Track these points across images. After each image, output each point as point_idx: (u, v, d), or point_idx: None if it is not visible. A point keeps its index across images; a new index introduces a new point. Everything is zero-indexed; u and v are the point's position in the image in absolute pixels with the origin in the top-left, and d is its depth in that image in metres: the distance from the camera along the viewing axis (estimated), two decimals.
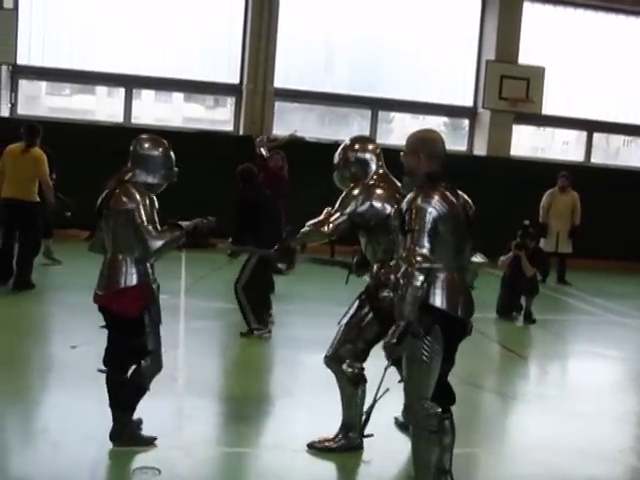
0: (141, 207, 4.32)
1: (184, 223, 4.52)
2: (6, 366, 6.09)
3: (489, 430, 5.58)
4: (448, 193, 3.81)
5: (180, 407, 5.34)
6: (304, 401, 5.56)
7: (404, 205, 3.77)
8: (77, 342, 6.29)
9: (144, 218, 4.31)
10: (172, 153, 4.57)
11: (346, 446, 4.71)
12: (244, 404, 5.62)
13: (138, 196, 4.35)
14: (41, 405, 5.34)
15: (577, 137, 16.37)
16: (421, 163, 3.84)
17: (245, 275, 7.45)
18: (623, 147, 17.09)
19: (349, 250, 5.13)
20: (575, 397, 6.55)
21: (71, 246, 10.74)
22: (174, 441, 4.69)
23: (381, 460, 4.69)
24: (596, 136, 16.12)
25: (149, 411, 5.10)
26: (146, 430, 4.75)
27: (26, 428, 4.80)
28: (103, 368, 4.51)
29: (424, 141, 3.93)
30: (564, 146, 16.83)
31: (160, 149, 4.52)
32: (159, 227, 4.36)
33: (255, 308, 7.49)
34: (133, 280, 4.39)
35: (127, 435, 4.48)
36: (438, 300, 3.73)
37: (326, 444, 4.71)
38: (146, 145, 4.52)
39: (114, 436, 4.46)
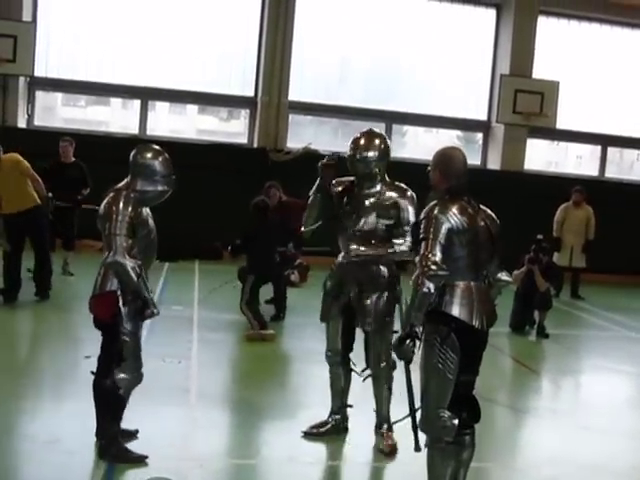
0: (120, 216, 4.33)
1: (143, 292, 4.42)
2: (20, 375, 6.14)
3: (501, 444, 5.56)
4: (468, 207, 3.92)
5: (193, 418, 5.36)
6: (319, 413, 5.53)
7: (422, 215, 3.92)
8: (91, 352, 6.31)
9: (117, 229, 4.31)
10: (170, 162, 4.59)
11: None
12: (257, 416, 5.63)
13: (121, 205, 4.36)
14: (55, 414, 5.36)
15: (591, 151, 16.33)
16: (439, 178, 3.99)
17: (246, 294, 8.01)
18: (637, 162, 17.05)
19: None
20: (588, 412, 6.52)
21: (86, 257, 10.82)
22: (187, 452, 4.72)
23: (397, 469, 4.70)
24: (610, 150, 16.09)
25: (162, 421, 5.18)
26: (158, 440, 4.79)
27: (40, 437, 4.81)
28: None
29: (442, 158, 4.06)
30: (578, 160, 16.81)
31: (159, 158, 4.56)
32: (126, 242, 4.32)
33: (258, 316, 7.97)
34: (111, 286, 4.43)
35: (115, 450, 4.46)
36: (454, 309, 3.80)
37: None
38: (145, 154, 4.56)
39: (102, 451, 4.47)
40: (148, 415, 5.04)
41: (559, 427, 5.94)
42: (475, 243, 3.88)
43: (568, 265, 12.11)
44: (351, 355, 5.20)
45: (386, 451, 4.85)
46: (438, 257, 3.69)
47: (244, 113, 14.93)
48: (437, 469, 3.86)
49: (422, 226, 3.82)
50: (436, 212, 3.83)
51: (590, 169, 16.09)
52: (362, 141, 4.90)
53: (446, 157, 4.06)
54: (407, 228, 4.76)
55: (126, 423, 4.72)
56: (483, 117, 15.23)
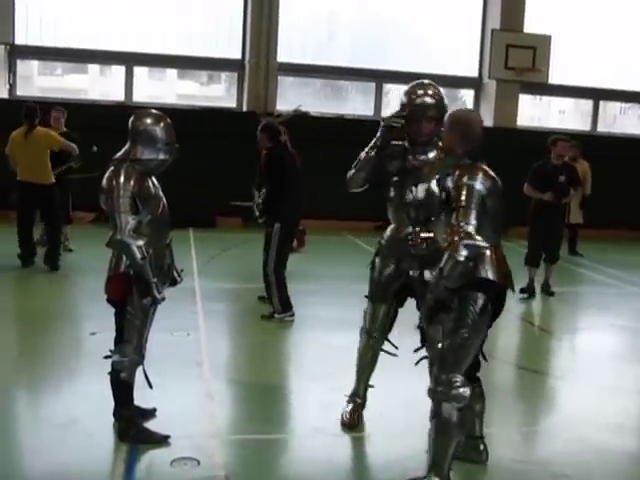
0: (121, 191, 4.07)
1: (147, 275, 4.16)
2: (28, 355, 5.99)
3: (526, 407, 5.46)
4: (489, 170, 3.81)
5: (210, 393, 5.20)
6: (337, 384, 5.40)
7: (448, 183, 3.77)
8: (96, 329, 6.15)
9: (119, 206, 4.07)
10: (172, 128, 4.32)
11: None
12: (274, 388, 5.50)
13: (122, 179, 4.09)
14: (69, 395, 5.19)
15: (574, 105, 16.19)
16: (458, 142, 3.82)
17: (272, 256, 7.11)
18: (620, 115, 16.94)
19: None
20: (604, 371, 6.43)
21: (79, 229, 10.63)
22: (209, 429, 4.58)
23: (414, 442, 4.57)
24: (592, 104, 15.96)
25: (178, 397, 5.04)
26: (177, 418, 4.65)
27: (57, 418, 4.65)
28: (109, 354, 4.37)
29: (462, 120, 3.89)
30: (561, 115, 16.68)
31: (161, 124, 4.27)
32: (132, 219, 4.09)
33: (282, 292, 7.26)
34: (123, 266, 4.21)
35: (134, 432, 4.31)
36: (490, 275, 3.72)
37: None
38: (146, 120, 4.27)
39: (121, 434, 4.33)
40: (163, 392, 4.85)
41: (579, 387, 5.85)
42: (500, 207, 3.80)
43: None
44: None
45: None
46: (473, 226, 3.55)
47: (225, 77, 14.65)
48: (447, 435, 3.77)
49: (453, 195, 3.68)
50: (466, 180, 3.68)
51: (574, 123, 15.98)
52: (419, 88, 4.45)
53: (466, 120, 3.90)
54: None
55: (142, 401, 4.58)
56: (474, 74, 15.03)
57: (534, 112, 16.69)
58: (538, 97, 16.18)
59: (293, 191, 7.16)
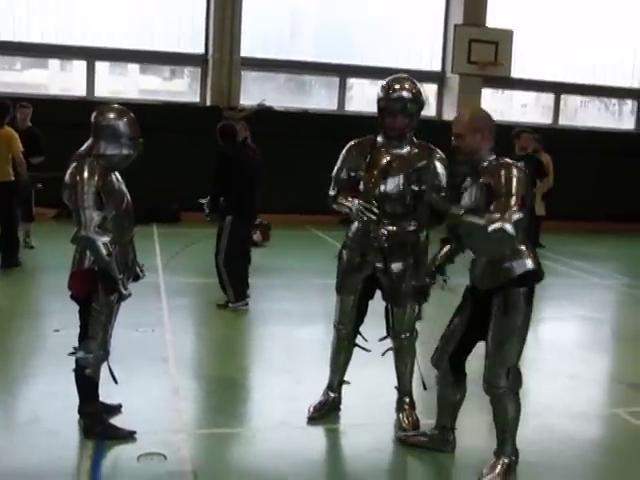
0: (85, 187, 4.02)
1: (113, 271, 4.12)
2: None
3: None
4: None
5: (175, 388, 5.17)
6: (301, 377, 5.44)
7: (485, 179, 3.80)
8: (60, 325, 6.08)
9: (84, 202, 4.01)
10: (136, 123, 4.27)
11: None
12: (239, 383, 5.50)
13: (86, 174, 4.03)
14: (30, 392, 5.12)
15: (536, 99, 16.37)
16: (484, 140, 3.88)
17: (223, 247, 7.29)
18: (581, 108, 17.14)
19: None
20: (568, 360, 6.52)
21: (40, 226, 10.49)
22: (175, 424, 4.56)
23: (380, 433, 4.60)
24: (552, 98, 16.13)
25: (144, 393, 5.01)
26: (143, 413, 4.62)
27: (18, 417, 4.61)
28: (73, 351, 4.31)
29: (484, 120, 3.95)
30: (523, 109, 16.84)
31: (124, 119, 4.22)
32: (97, 215, 4.04)
33: (235, 282, 7.37)
34: (88, 262, 4.16)
35: (100, 428, 4.27)
36: (530, 265, 3.87)
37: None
38: (108, 115, 4.21)
39: (86, 431, 4.28)
40: (129, 388, 4.84)
41: (543, 376, 5.91)
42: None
43: None
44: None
45: (408, 428, 4.59)
46: (519, 216, 3.63)
47: (187, 72, 14.56)
48: (513, 420, 4.00)
49: (494, 185, 3.70)
50: (516, 172, 3.72)
51: (535, 117, 16.14)
52: (396, 82, 4.44)
53: (487, 118, 3.99)
54: (441, 195, 4.35)
55: (107, 397, 4.54)
56: (437, 68, 15.10)
57: (496, 106, 16.76)
58: (500, 91, 16.30)
59: (246, 189, 7.31)
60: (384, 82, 4.50)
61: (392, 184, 4.46)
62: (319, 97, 15.26)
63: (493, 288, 3.90)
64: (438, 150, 4.54)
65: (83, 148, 4.23)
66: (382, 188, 4.47)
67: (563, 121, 16.27)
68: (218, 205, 7.37)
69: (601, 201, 14.98)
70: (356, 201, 4.43)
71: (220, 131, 7.56)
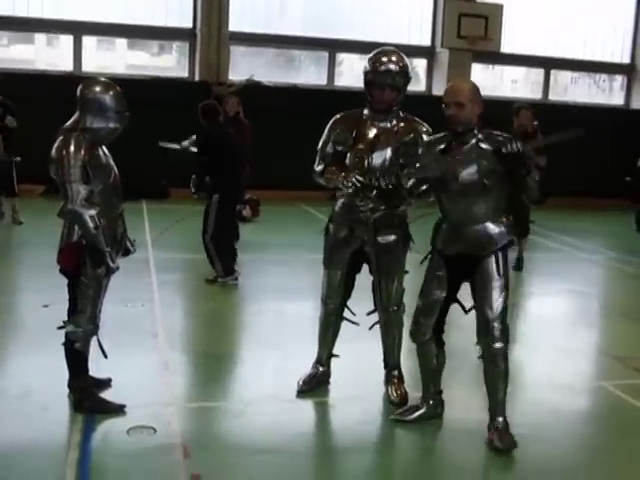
0: (71, 161, 4.01)
1: (101, 244, 4.12)
2: None
3: (480, 370, 5.54)
4: None
5: (165, 362, 5.19)
6: (291, 351, 5.46)
7: (495, 146, 3.94)
8: (49, 301, 6.07)
9: (70, 175, 4.01)
10: (122, 96, 4.25)
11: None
12: (229, 357, 5.52)
13: (72, 148, 4.03)
14: (20, 367, 5.14)
15: (526, 75, 16.33)
16: (478, 110, 4.02)
17: (210, 225, 7.33)
18: (571, 84, 17.12)
19: None
20: (556, 334, 6.57)
21: (28, 202, 10.45)
22: (165, 398, 4.58)
23: (368, 407, 4.64)
24: (542, 73, 16.11)
25: (133, 368, 5.03)
26: (133, 387, 4.65)
27: (8, 391, 4.60)
28: (63, 325, 4.33)
29: (475, 90, 4.05)
30: (513, 84, 16.80)
31: (110, 92, 4.20)
32: (84, 189, 4.04)
33: (223, 257, 7.41)
34: (76, 236, 4.17)
35: (89, 402, 4.29)
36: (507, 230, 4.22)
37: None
38: (95, 88, 4.20)
39: (76, 405, 4.30)
40: (119, 362, 4.84)
41: (528, 350, 5.95)
42: None
43: None
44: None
45: (396, 401, 4.63)
46: None
47: (176, 47, 14.44)
48: (506, 376, 4.18)
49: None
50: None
51: (526, 92, 16.11)
52: (383, 55, 4.46)
53: (477, 88, 4.07)
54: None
55: (97, 372, 4.56)
56: (427, 42, 15.02)
57: (487, 82, 16.74)
58: (491, 66, 16.25)
59: (232, 168, 7.33)
60: (371, 55, 4.49)
61: (379, 157, 4.46)
62: (308, 72, 15.18)
63: (485, 253, 4.08)
64: (424, 123, 4.55)
65: (69, 122, 4.22)
66: (369, 161, 4.46)
67: (553, 97, 16.24)
68: (204, 184, 7.47)
69: (590, 177, 15.00)
70: (348, 174, 4.42)
71: (202, 110, 7.58)
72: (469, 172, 4.02)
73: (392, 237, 4.54)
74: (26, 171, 9.86)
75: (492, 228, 4.12)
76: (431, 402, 4.44)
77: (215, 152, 7.33)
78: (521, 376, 5.33)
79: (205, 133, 7.50)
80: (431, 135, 4.45)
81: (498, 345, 4.11)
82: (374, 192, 4.44)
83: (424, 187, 4.21)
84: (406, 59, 4.53)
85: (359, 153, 4.49)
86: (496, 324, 4.09)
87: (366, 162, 4.46)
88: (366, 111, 4.55)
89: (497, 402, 4.19)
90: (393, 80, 4.42)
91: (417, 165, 4.21)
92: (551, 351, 5.93)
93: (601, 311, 7.64)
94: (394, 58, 4.45)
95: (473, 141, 4.04)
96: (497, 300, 4.08)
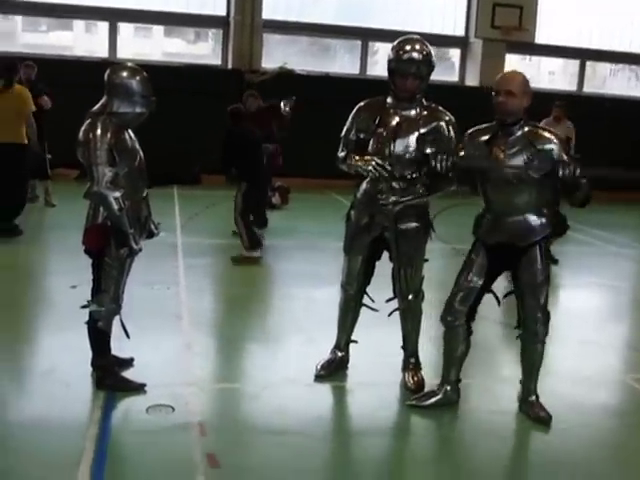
0: (98, 144, 4.10)
1: (125, 226, 4.22)
2: (7, 308, 6.00)
3: (502, 360, 5.56)
4: None
5: (188, 344, 5.28)
6: (312, 336, 5.51)
7: (542, 144, 4.06)
8: (77, 282, 6.19)
9: (96, 158, 4.11)
10: (148, 82, 4.32)
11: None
12: (251, 340, 5.58)
13: (99, 132, 4.12)
14: (46, 346, 5.27)
15: (563, 67, 16.15)
16: (525, 102, 4.08)
17: (238, 206, 7.86)
18: (610, 76, 16.91)
19: None
20: (582, 327, 6.55)
21: (62, 186, 10.61)
22: (185, 378, 4.66)
23: (385, 392, 4.68)
24: (578, 64, 15.93)
25: (156, 348, 5.11)
26: (155, 367, 4.73)
27: (33, 369, 4.75)
28: (86, 304, 4.43)
29: (527, 82, 4.12)
30: (551, 76, 16.63)
31: (137, 77, 4.28)
32: (109, 171, 4.13)
33: (249, 232, 7.86)
34: (101, 217, 4.26)
35: (111, 380, 4.39)
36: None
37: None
38: (122, 73, 4.28)
39: (98, 382, 4.41)
40: (142, 343, 4.94)
41: (553, 342, 5.92)
42: None
43: None
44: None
45: (413, 388, 4.67)
46: None
47: (212, 35, 14.52)
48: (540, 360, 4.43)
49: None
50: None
51: (563, 84, 15.94)
52: (407, 44, 4.43)
53: (527, 81, 4.13)
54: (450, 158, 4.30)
55: (120, 351, 4.66)
56: (461, 32, 14.95)
57: (524, 72, 16.59)
58: (528, 57, 16.11)
59: (255, 160, 8.03)
60: (395, 43, 4.49)
61: (401, 146, 4.47)
62: (342, 61, 15.20)
63: (526, 244, 4.19)
64: (447, 113, 4.55)
65: (97, 106, 4.30)
66: (392, 149, 4.47)
67: (589, 89, 16.05)
68: (230, 174, 8.13)
69: (624, 169, 14.82)
70: (370, 158, 4.45)
71: (229, 113, 8.32)
72: (514, 163, 4.08)
73: (413, 224, 4.56)
74: (61, 156, 10.00)
75: (534, 219, 4.20)
76: (448, 388, 4.47)
77: (237, 148, 7.93)
78: (545, 369, 5.32)
79: (228, 130, 8.12)
80: (454, 124, 4.49)
81: (540, 332, 4.31)
82: (396, 182, 4.47)
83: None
84: (429, 47, 4.52)
85: (381, 140, 4.51)
86: (540, 314, 4.28)
87: (388, 150, 4.48)
88: (389, 99, 4.57)
89: (532, 381, 4.42)
90: (417, 69, 4.42)
91: (461, 154, 4.25)
92: (576, 344, 5.91)
93: (631, 305, 7.60)
94: (417, 46, 4.45)
95: (519, 133, 4.10)
96: (542, 290, 4.24)
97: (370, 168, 4.41)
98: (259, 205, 8.54)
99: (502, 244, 4.23)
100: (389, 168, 4.43)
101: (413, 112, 4.50)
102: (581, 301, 7.76)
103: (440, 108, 4.57)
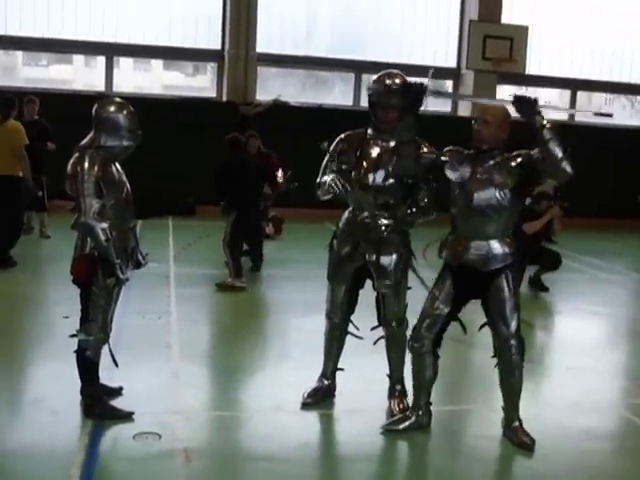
0: (85, 176, 4.21)
1: (111, 256, 4.30)
2: (2, 337, 6.07)
3: (484, 386, 5.60)
4: None
5: (176, 373, 5.34)
6: (300, 364, 5.57)
7: (515, 162, 4.20)
8: (70, 312, 6.24)
9: (84, 190, 4.21)
10: (135, 116, 4.44)
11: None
12: (239, 369, 5.62)
13: (87, 164, 4.23)
14: (36, 374, 5.32)
15: (559, 96, 16.33)
16: (500, 134, 4.21)
17: (227, 235, 8.07)
18: (606, 105, 17.09)
19: None
20: (566, 352, 6.61)
21: (58, 217, 10.69)
22: (173, 406, 4.71)
23: (371, 419, 4.71)
24: (579, 95, 16.11)
25: (145, 377, 5.17)
26: (143, 396, 4.78)
27: (23, 397, 4.80)
28: (74, 333, 4.50)
29: (506, 116, 4.23)
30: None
31: (124, 111, 4.40)
32: (96, 203, 4.23)
33: (235, 261, 8.01)
34: (85, 248, 4.36)
35: (99, 409, 4.45)
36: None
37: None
38: (109, 108, 4.40)
39: (86, 410, 4.46)
40: (131, 372, 5.01)
41: (541, 367, 6.01)
42: None
43: None
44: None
45: (398, 415, 4.69)
46: None
47: (210, 68, 14.72)
48: (521, 382, 4.43)
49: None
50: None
51: (559, 114, 16.06)
52: (387, 77, 4.55)
53: (507, 115, 4.24)
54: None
55: (110, 380, 4.72)
56: (452, 64, 15.15)
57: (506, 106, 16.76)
58: (524, 88, 16.28)
59: (247, 191, 8.21)
60: (375, 77, 4.62)
61: (383, 176, 4.57)
62: (337, 93, 15.38)
63: (488, 270, 4.27)
64: (424, 141, 4.61)
65: (85, 140, 4.43)
66: (373, 180, 4.58)
67: (582, 118, 16.17)
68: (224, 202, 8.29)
69: (614, 196, 14.96)
70: (332, 175, 4.55)
71: (227, 142, 8.45)
72: (484, 190, 4.22)
73: (394, 254, 4.65)
74: (58, 188, 10.08)
75: (497, 247, 4.29)
76: (420, 412, 4.54)
77: (231, 175, 8.08)
78: (528, 394, 5.36)
79: (224, 161, 8.29)
80: (431, 149, 4.59)
81: (516, 360, 4.34)
82: (378, 210, 4.57)
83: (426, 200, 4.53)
84: (409, 80, 4.63)
85: (363, 171, 4.61)
86: (513, 341, 4.31)
87: (369, 180, 4.58)
88: (370, 131, 4.68)
89: (513, 408, 4.45)
90: (397, 101, 4.53)
91: (443, 158, 4.36)
92: (566, 370, 5.98)
93: (622, 332, 7.63)
94: (397, 80, 4.57)
95: (491, 162, 4.22)
96: (513, 318, 4.30)
97: (329, 181, 4.49)
98: (254, 236, 8.76)
99: (465, 267, 4.32)
100: (344, 185, 4.49)
101: (392, 143, 4.59)
102: (572, 328, 7.81)
103: (417, 138, 4.61)
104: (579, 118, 16.04)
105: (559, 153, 3.95)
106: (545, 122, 3.98)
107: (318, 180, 4.76)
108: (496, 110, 4.24)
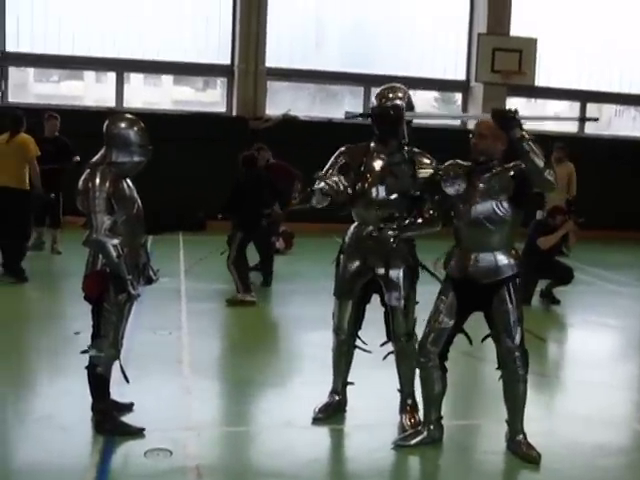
0: (97, 192, 4.24)
1: (123, 272, 4.31)
2: (8, 353, 6.09)
3: (496, 400, 5.56)
4: None
5: (187, 388, 5.34)
6: (311, 379, 5.57)
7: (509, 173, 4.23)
8: (81, 328, 6.27)
9: (95, 206, 4.24)
10: (146, 131, 4.47)
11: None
12: (251, 384, 5.61)
13: (98, 181, 4.25)
14: (47, 391, 5.34)
15: (569, 108, 16.31)
16: (498, 146, 4.23)
17: (232, 253, 8.11)
18: (615, 117, 17.05)
19: None
20: (578, 366, 6.58)
21: (70, 233, 10.74)
22: (184, 422, 4.71)
23: (383, 434, 4.70)
24: (589, 107, 16.08)
25: (156, 393, 5.17)
26: (154, 412, 4.78)
27: (33, 414, 4.79)
28: (86, 349, 4.52)
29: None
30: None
31: (135, 127, 4.43)
32: (107, 219, 4.26)
33: (242, 277, 8.05)
34: (97, 265, 4.38)
35: (110, 425, 4.45)
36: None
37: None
38: (120, 124, 4.43)
39: (97, 426, 4.47)
40: (142, 387, 5.01)
41: (552, 381, 5.98)
42: None
43: None
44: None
45: (410, 429, 4.69)
46: None
47: (220, 82, 14.78)
48: (524, 397, 4.43)
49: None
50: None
51: (569, 126, 16.05)
52: (389, 90, 4.60)
53: None
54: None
55: (121, 396, 4.73)
56: (462, 77, 15.17)
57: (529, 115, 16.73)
58: (533, 100, 16.29)
59: (255, 212, 8.28)
60: (378, 91, 4.65)
61: (387, 189, 4.59)
62: (348, 107, 15.39)
63: (490, 282, 4.27)
64: (428, 155, 4.66)
65: (97, 157, 4.45)
66: (378, 194, 4.61)
67: (597, 130, 16.14)
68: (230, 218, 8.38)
69: (623, 208, 14.90)
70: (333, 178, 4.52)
71: (241, 160, 8.50)
72: (483, 203, 4.24)
73: (404, 267, 4.64)
74: (70, 204, 10.12)
75: (501, 258, 4.30)
76: (431, 427, 4.53)
77: (241, 197, 8.19)
78: (535, 407, 5.34)
79: (240, 182, 8.37)
80: (432, 161, 4.64)
81: (520, 372, 4.35)
82: (384, 223, 4.56)
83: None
84: (410, 94, 4.67)
85: (367, 184, 4.63)
86: (517, 353, 4.31)
87: (373, 194, 4.61)
88: (373, 144, 4.70)
89: (517, 420, 4.43)
90: (397, 115, 4.55)
91: (440, 173, 4.36)
92: (575, 384, 5.95)
93: (631, 345, 7.57)
94: (399, 94, 4.60)
95: (488, 174, 4.24)
96: (517, 330, 4.29)
97: (329, 182, 4.47)
98: (265, 251, 8.88)
99: (467, 280, 4.33)
100: (346, 187, 4.49)
101: (396, 156, 4.62)
102: (583, 341, 7.77)
103: (421, 151, 4.68)
104: (588, 130, 16.01)
105: (540, 164, 3.95)
106: (524, 134, 3.97)
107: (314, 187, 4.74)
108: (491, 122, 4.22)
